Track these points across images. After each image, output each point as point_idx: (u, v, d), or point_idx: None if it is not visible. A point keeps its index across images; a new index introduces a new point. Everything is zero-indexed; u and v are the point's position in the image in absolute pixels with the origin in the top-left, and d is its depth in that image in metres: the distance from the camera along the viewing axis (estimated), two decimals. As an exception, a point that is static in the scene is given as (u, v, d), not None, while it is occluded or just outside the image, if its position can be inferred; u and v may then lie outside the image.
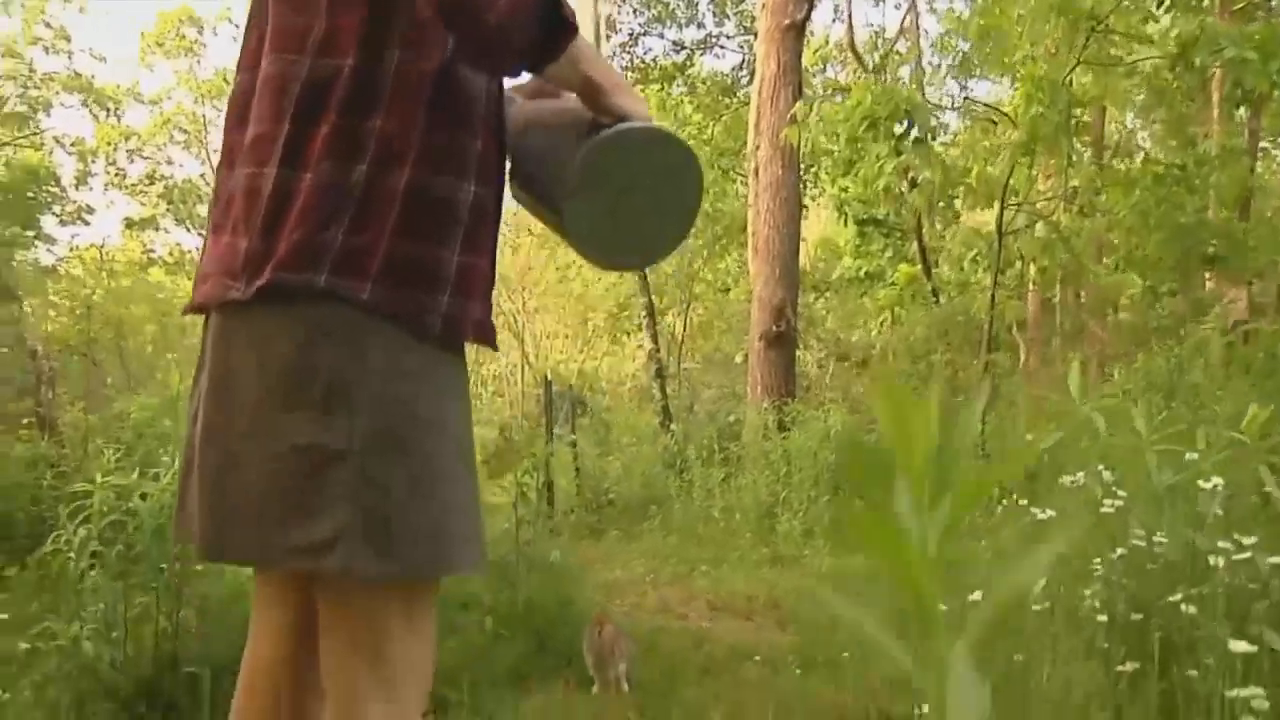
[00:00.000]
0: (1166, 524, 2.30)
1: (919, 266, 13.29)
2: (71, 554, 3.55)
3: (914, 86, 10.13)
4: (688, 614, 5.29)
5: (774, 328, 10.76)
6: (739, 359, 12.51)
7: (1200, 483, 2.17)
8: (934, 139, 10.63)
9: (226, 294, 1.52)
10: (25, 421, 7.00)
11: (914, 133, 9.24)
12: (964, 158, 10.68)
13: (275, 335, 1.48)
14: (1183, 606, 2.00)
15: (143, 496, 3.81)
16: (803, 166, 12.53)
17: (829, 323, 15.87)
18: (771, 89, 11.26)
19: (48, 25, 24.45)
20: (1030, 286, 13.08)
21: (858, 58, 13.15)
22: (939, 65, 16.75)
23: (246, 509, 1.50)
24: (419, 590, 1.60)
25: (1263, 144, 13.88)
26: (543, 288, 24.29)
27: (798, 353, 12.03)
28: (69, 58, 26.08)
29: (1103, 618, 2.10)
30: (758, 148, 11.59)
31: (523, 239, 25.13)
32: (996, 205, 9.65)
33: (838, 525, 7.22)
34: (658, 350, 12.52)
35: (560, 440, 9.37)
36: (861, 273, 15.62)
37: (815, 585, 5.65)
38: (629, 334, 19.18)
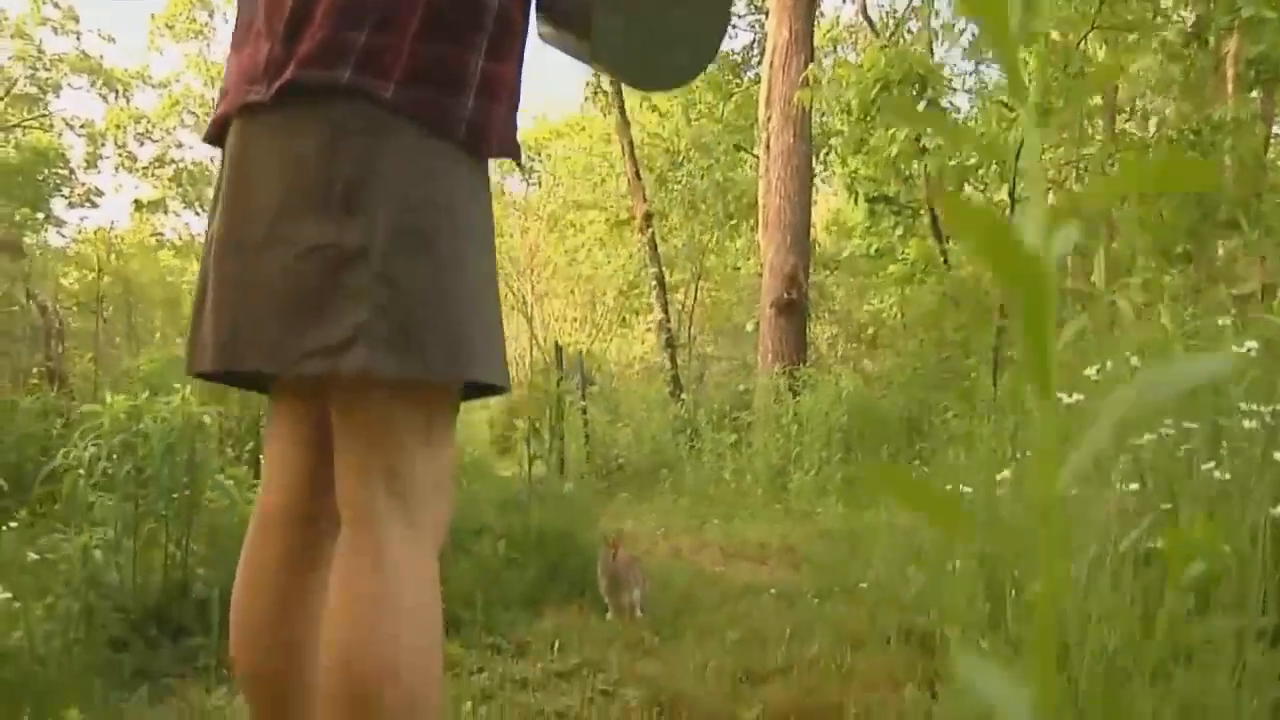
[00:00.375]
0: (1196, 408, 2.26)
1: (931, 240, 13.20)
2: (81, 470, 3.53)
3: (926, 53, 10.03)
4: (700, 559, 5.25)
5: (785, 295, 10.70)
6: (749, 327, 12.45)
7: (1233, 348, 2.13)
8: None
9: (247, 97, 1.49)
10: (35, 372, 6.99)
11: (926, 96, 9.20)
12: (979, 125, 10.60)
13: (297, 135, 1.45)
14: (1215, 474, 1.96)
15: (155, 420, 3.80)
16: (813, 147, 12.47)
17: (839, 299, 15.79)
18: (784, 57, 11.18)
19: (56, 6, 24.48)
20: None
21: (870, 25, 13.08)
22: (949, 50, 16.66)
23: (264, 313, 1.47)
24: (437, 407, 1.56)
25: (1277, 128, 13.78)
26: (550, 270, 24.30)
27: (808, 325, 11.97)
28: (77, 38, 26.15)
29: (1134, 485, 2.06)
30: (769, 119, 11.53)
31: (531, 222, 25.16)
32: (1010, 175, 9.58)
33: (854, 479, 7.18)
34: (668, 320, 12.47)
35: (571, 406, 9.32)
36: (872, 250, 15.55)
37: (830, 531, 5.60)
38: (638, 314, 19.16)
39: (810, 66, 10.00)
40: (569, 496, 4.50)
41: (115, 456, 3.69)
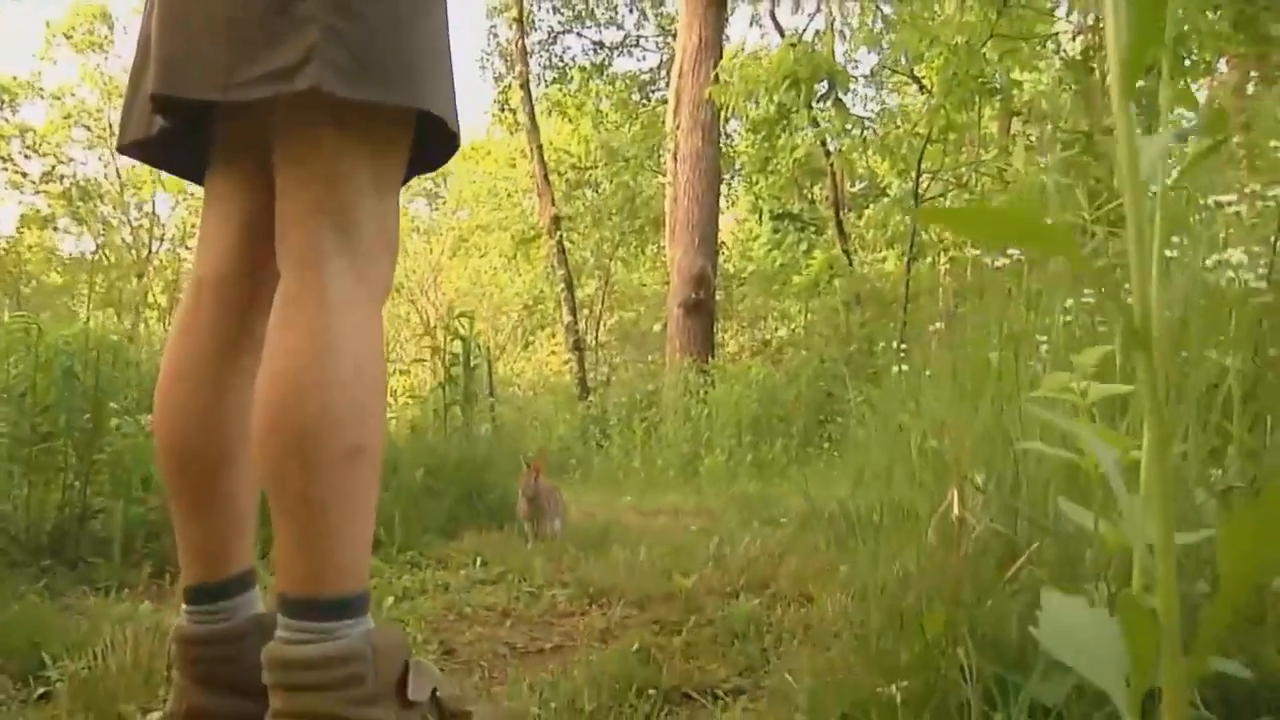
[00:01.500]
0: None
1: (835, 249, 13.42)
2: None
3: (830, 52, 10.24)
4: (617, 516, 5.19)
5: (694, 295, 10.76)
6: (657, 328, 12.46)
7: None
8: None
9: None
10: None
11: (834, 94, 9.37)
12: (881, 121, 10.83)
13: None
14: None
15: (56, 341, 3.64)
16: (720, 153, 12.61)
17: (746, 306, 15.93)
18: (693, 62, 11.32)
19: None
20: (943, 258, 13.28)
21: (777, 26, 13.33)
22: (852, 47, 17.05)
23: (211, 41, 1.39)
24: (388, 153, 1.50)
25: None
26: (454, 292, 24.09)
27: (715, 327, 12.05)
28: (-40, 45, 25.25)
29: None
30: (678, 126, 11.65)
31: (435, 244, 24.96)
32: (912, 174, 9.81)
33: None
34: (575, 322, 12.42)
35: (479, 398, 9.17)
36: (776, 265, 15.76)
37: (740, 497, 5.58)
38: (544, 328, 19.08)
39: (720, 64, 10.11)
40: (485, 436, 4.41)
41: (11, 376, 3.53)
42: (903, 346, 8.33)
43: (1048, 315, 2.25)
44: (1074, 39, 10.05)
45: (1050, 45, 10.52)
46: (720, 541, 3.30)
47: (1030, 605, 1.24)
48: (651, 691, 1.70)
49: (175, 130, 1.53)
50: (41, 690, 1.87)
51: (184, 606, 1.60)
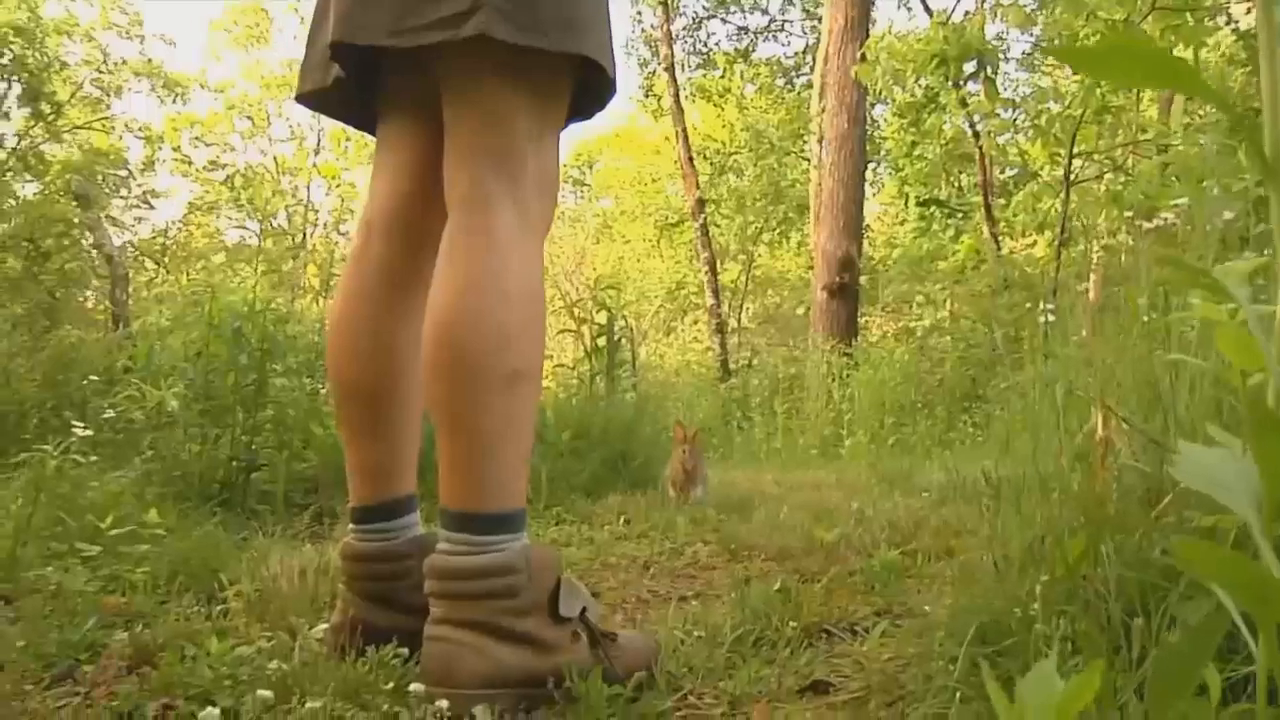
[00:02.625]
0: None
1: (983, 234, 13.13)
2: (157, 329, 3.59)
3: (980, 31, 10.00)
4: (758, 487, 5.21)
5: (838, 278, 10.68)
6: (800, 311, 12.41)
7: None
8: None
9: None
10: (101, 318, 7.14)
11: (983, 73, 9.16)
12: (1034, 102, 10.52)
13: None
14: None
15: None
16: (865, 150, 12.45)
17: (888, 295, 15.72)
18: (839, 43, 11.22)
19: (123, 12, 24.92)
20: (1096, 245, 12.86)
21: (925, 6, 13.10)
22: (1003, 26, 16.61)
23: None
24: (550, 99, 1.57)
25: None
26: (600, 274, 24.36)
27: (859, 311, 11.92)
28: (141, 42, 26.56)
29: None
30: (823, 109, 11.57)
31: (578, 228, 25.29)
32: (1064, 153, 9.51)
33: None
34: (718, 305, 12.46)
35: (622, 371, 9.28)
36: (924, 250, 15.50)
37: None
38: (687, 314, 19.17)
39: (867, 42, 9.99)
40: (630, 403, 4.50)
41: (187, 334, 3.76)
42: (1051, 319, 8.14)
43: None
44: (1248, 11, 9.61)
45: (1220, 19, 10.07)
46: (862, 505, 3.30)
47: (1176, 534, 1.24)
48: (792, 624, 1.74)
49: (350, 80, 1.63)
50: (221, 607, 2.01)
51: (351, 526, 1.70)
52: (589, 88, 1.63)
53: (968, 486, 3.48)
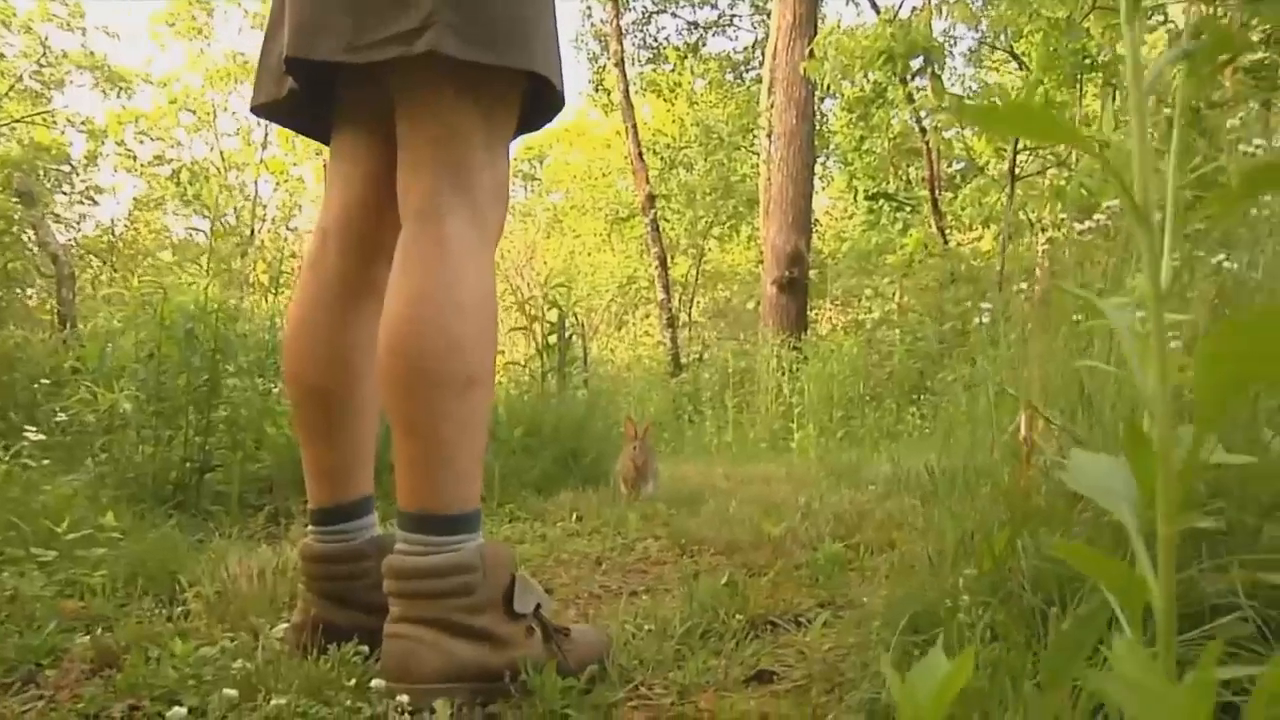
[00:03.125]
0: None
1: (930, 228, 13.31)
2: (108, 330, 3.59)
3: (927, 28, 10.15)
4: (708, 481, 5.29)
5: (787, 273, 10.79)
6: (750, 305, 12.51)
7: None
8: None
9: None
10: (46, 318, 7.05)
11: (930, 70, 9.32)
12: (979, 98, 10.68)
13: None
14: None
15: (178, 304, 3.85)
16: (814, 146, 12.56)
17: (837, 289, 15.88)
18: (787, 38, 11.31)
19: (63, 3, 24.48)
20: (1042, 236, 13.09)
21: (873, 2, 13.24)
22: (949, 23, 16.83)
23: (340, 9, 1.54)
24: (500, 110, 1.62)
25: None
26: (550, 268, 24.34)
27: (808, 305, 12.05)
28: (83, 34, 26.17)
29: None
30: (772, 104, 11.66)
31: (528, 223, 25.25)
32: (1009, 148, 9.70)
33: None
34: (669, 300, 12.54)
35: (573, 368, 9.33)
36: (872, 244, 15.68)
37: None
38: (637, 308, 19.22)
39: (815, 41, 10.10)
40: (581, 401, 4.55)
41: (138, 335, 3.76)
42: (986, 320, 8.30)
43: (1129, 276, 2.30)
44: (1184, 11, 9.84)
45: (1157, 17, 10.31)
46: (809, 499, 3.39)
47: (1096, 527, 1.32)
48: (739, 617, 1.81)
49: (303, 93, 1.67)
50: (181, 609, 2.04)
51: (310, 527, 1.75)
52: (537, 101, 1.69)
53: (911, 479, 3.58)
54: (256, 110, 1.79)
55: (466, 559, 1.49)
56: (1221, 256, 1.81)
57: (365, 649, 1.58)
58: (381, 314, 1.55)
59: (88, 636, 1.77)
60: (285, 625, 1.76)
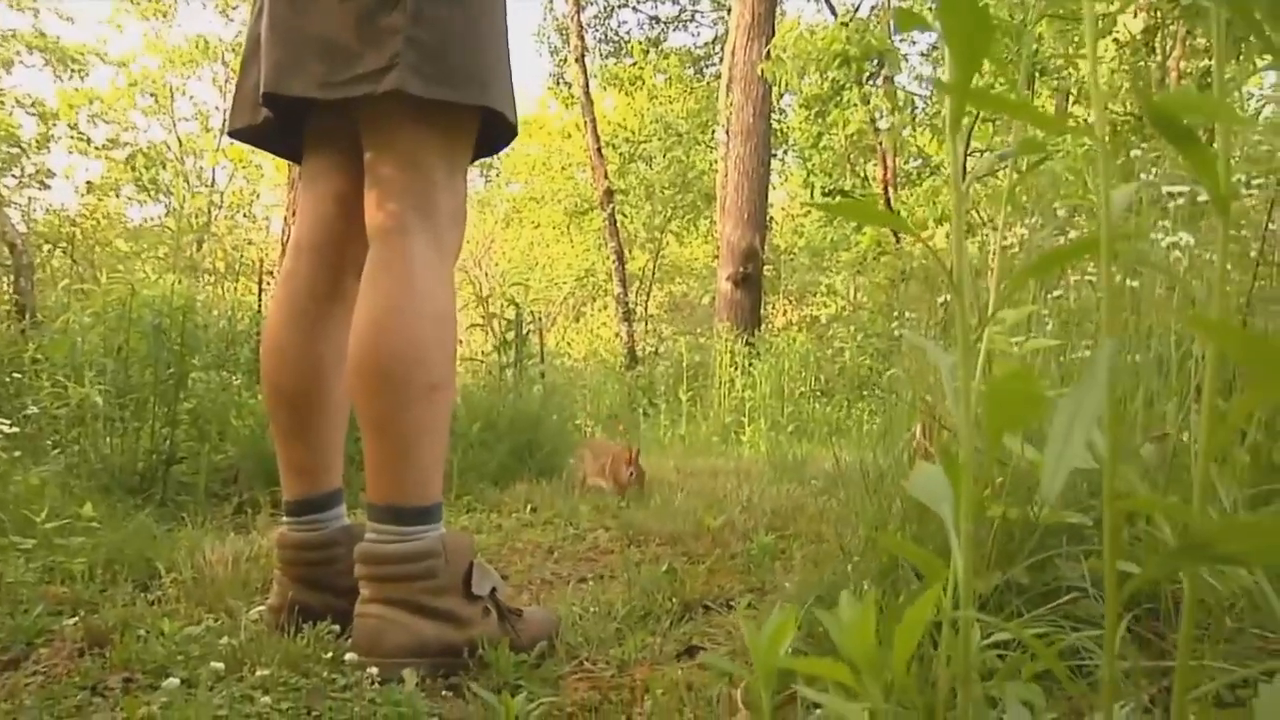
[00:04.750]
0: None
1: (882, 227, 13.57)
2: (79, 325, 3.71)
3: (885, 30, 10.40)
4: (658, 474, 5.46)
5: (742, 269, 11.00)
6: (705, 300, 12.72)
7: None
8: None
9: None
10: (4, 306, 7.10)
11: (884, 73, 9.55)
12: (933, 99, 10.95)
13: None
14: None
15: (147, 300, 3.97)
16: (771, 130, 12.78)
17: (791, 285, 16.15)
18: (746, 37, 11.50)
19: (14, -20, 24.13)
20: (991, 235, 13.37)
21: (829, 4, 13.49)
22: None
23: (311, 51, 1.70)
24: (459, 140, 1.80)
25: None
26: (508, 259, 24.42)
27: (762, 302, 12.26)
28: (35, 16, 25.84)
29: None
30: (731, 101, 11.85)
31: (486, 213, 25.29)
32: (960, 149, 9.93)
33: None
34: (625, 294, 12.71)
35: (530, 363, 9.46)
36: (827, 241, 15.94)
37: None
38: (595, 299, 19.37)
39: (773, 40, 10.29)
40: (537, 396, 4.72)
41: (106, 330, 3.88)
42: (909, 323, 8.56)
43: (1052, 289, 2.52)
44: (1135, 15, 10.12)
45: (1106, 23, 10.59)
46: (750, 493, 3.58)
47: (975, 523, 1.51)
48: (675, 600, 2.00)
49: (278, 120, 1.84)
50: (159, 593, 2.19)
51: (285, 518, 1.92)
52: (491, 130, 1.87)
53: (851, 474, 3.79)
54: (234, 134, 1.95)
55: (430, 546, 1.67)
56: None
57: (337, 628, 1.75)
58: (351, 324, 1.72)
59: (76, 618, 1.92)
60: (260, 607, 1.93)
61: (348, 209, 1.87)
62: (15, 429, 3.32)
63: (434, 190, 1.75)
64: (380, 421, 1.68)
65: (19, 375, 4.08)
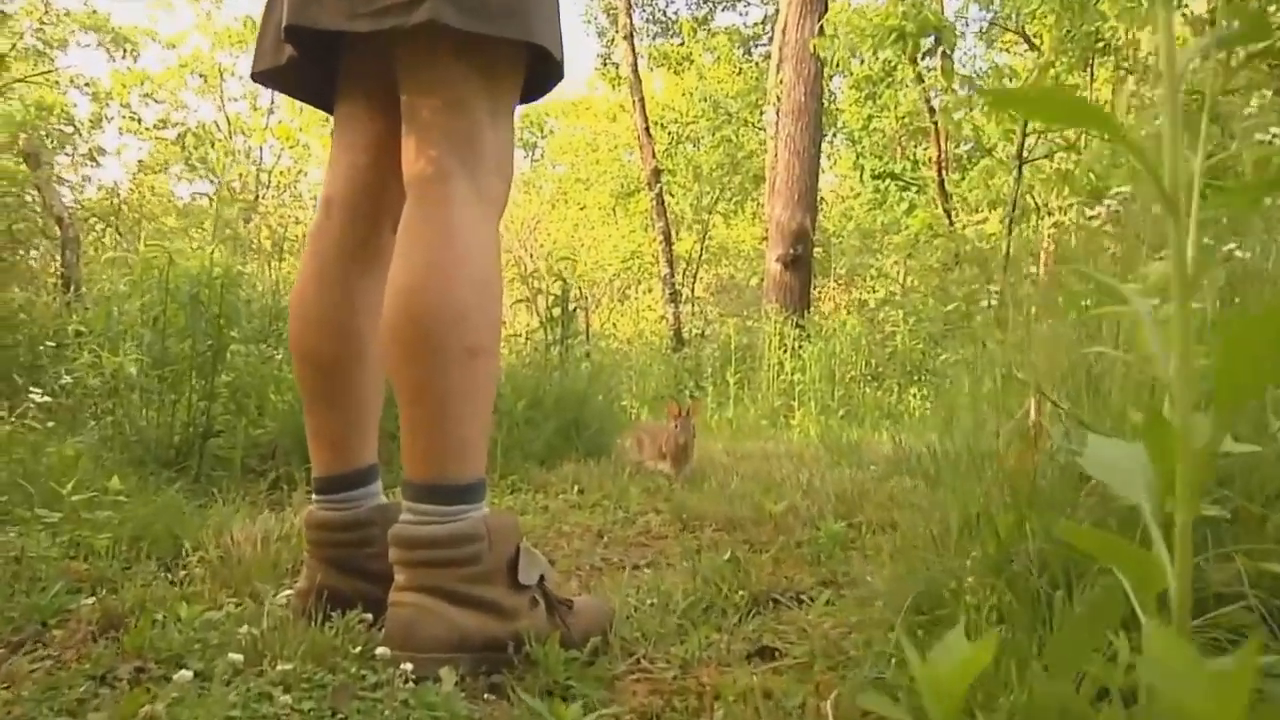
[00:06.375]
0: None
1: (936, 209, 13.28)
2: (114, 294, 3.59)
3: (939, 7, 10.12)
4: (709, 455, 5.29)
5: (792, 250, 10.77)
6: (754, 283, 12.50)
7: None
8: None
9: None
10: (51, 281, 7.06)
11: (940, 50, 9.27)
12: (989, 80, 10.65)
13: None
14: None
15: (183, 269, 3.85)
16: (821, 123, 12.51)
17: (841, 268, 15.87)
18: (798, 14, 11.24)
19: (62, -40, 24.26)
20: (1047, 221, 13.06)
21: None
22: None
23: None
24: (502, 80, 1.62)
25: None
26: (554, 240, 24.27)
27: (812, 284, 12.03)
28: (84, -7, 25.95)
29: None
30: (781, 80, 11.60)
31: (532, 194, 25.18)
32: (1018, 130, 9.65)
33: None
34: (672, 275, 12.52)
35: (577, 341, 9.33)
36: (877, 224, 15.66)
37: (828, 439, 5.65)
38: (640, 282, 19.19)
39: (826, 15, 10.04)
40: (584, 373, 4.55)
41: (143, 299, 3.76)
42: (994, 303, 8.30)
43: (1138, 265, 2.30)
44: (1202, -5, 9.80)
45: (1175, 1, 10.24)
46: (810, 477, 3.39)
47: (1100, 512, 1.32)
48: (741, 593, 1.82)
49: (304, 60, 1.67)
50: (184, 573, 2.05)
51: (314, 495, 1.76)
52: (536, 71, 1.68)
53: (913, 460, 3.59)
54: (257, 77, 1.78)
55: (471, 529, 1.50)
56: (1233, 245, 1.81)
57: (369, 617, 1.59)
58: (387, 282, 1.55)
59: (93, 598, 1.78)
60: (288, 591, 1.77)
61: (383, 158, 1.69)
62: (48, 399, 3.21)
63: (477, 134, 1.57)
64: (415, 388, 1.51)
65: (52, 345, 3.97)
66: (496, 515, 1.56)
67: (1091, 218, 2.79)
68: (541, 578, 1.58)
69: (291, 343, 1.77)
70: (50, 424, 3.29)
